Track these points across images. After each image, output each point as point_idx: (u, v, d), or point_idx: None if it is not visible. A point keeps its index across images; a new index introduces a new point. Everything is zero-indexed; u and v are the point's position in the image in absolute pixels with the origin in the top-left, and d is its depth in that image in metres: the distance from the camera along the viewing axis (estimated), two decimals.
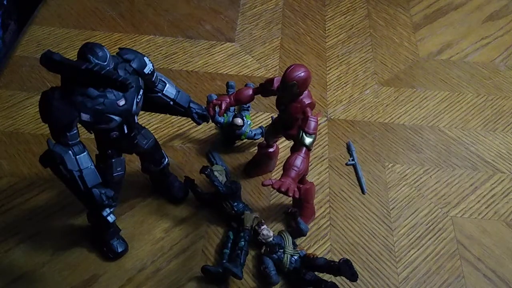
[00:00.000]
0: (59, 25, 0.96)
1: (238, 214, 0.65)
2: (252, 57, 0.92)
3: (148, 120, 0.80)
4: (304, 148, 0.57)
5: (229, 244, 0.64)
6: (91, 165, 0.51)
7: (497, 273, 0.66)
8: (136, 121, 0.55)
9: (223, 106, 0.60)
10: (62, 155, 0.50)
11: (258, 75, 0.89)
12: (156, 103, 0.58)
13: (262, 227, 0.63)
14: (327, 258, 0.64)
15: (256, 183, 0.73)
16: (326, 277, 0.61)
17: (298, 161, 0.56)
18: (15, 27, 0.93)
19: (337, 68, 0.91)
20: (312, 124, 0.57)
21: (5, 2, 0.90)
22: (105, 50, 0.48)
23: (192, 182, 0.68)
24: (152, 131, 0.78)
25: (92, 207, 0.53)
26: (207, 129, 0.80)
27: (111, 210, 0.54)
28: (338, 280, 0.62)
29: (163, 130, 0.79)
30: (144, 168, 0.66)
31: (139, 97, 0.52)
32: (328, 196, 0.73)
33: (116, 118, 0.50)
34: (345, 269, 0.57)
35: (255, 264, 0.64)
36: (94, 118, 0.49)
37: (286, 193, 0.53)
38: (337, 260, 0.59)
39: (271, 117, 0.82)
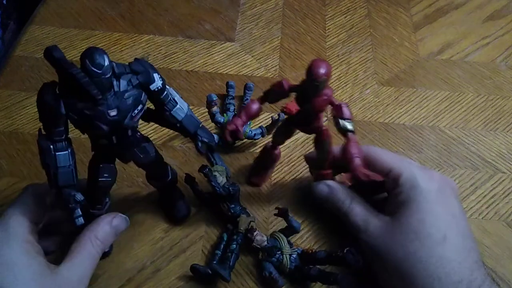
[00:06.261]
0: (59, 25, 0.96)
1: (234, 216, 0.65)
2: (252, 56, 0.92)
3: None
4: (350, 134, 0.57)
5: (222, 246, 0.64)
6: (69, 165, 0.50)
7: (497, 273, 0.66)
8: (130, 134, 0.54)
9: (240, 129, 0.59)
10: (44, 147, 0.50)
11: (258, 75, 0.89)
12: (166, 120, 0.57)
13: (255, 233, 0.62)
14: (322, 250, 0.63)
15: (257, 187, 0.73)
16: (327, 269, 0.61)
17: (354, 148, 0.57)
18: (14, 27, 0.93)
19: (337, 68, 0.91)
20: (346, 110, 0.58)
21: (4, 2, 0.90)
22: (105, 57, 0.46)
23: (193, 180, 0.68)
24: (152, 131, 0.79)
25: (61, 207, 0.53)
26: None
27: (80, 213, 0.54)
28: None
29: (163, 130, 0.79)
30: (147, 180, 0.66)
31: (136, 111, 0.51)
32: None
33: (104, 127, 0.49)
34: (350, 258, 0.57)
35: (258, 270, 0.64)
36: (81, 121, 0.49)
37: (372, 180, 0.56)
38: (337, 251, 0.59)
39: (271, 117, 0.81)
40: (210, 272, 0.61)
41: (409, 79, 0.90)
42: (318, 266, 0.61)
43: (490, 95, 0.88)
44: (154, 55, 0.91)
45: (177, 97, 0.56)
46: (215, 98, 0.76)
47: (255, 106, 0.61)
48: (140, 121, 0.61)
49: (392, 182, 0.61)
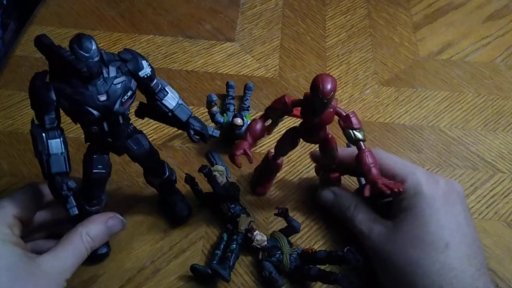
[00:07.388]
0: (59, 24, 0.96)
1: (234, 216, 0.65)
2: (252, 56, 0.92)
3: (147, 120, 0.79)
4: (362, 143, 0.56)
5: (222, 246, 0.64)
6: (61, 152, 0.51)
7: (497, 273, 0.66)
8: (122, 122, 0.54)
9: (249, 152, 0.57)
10: (36, 136, 0.50)
11: (258, 75, 0.89)
12: (158, 111, 0.57)
13: (255, 233, 0.62)
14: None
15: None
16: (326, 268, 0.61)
17: (369, 158, 0.56)
18: (14, 27, 0.93)
19: (337, 68, 0.91)
20: (355, 119, 0.57)
21: (4, 2, 0.91)
22: (93, 41, 0.47)
23: (193, 180, 0.68)
24: (152, 131, 0.79)
25: (54, 195, 0.52)
26: None
27: (74, 203, 0.53)
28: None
29: (163, 130, 0.79)
30: (145, 178, 0.65)
31: (126, 97, 0.51)
32: None
33: (94, 112, 0.50)
34: (350, 257, 0.57)
35: (259, 270, 0.64)
36: (71, 107, 0.49)
37: (392, 190, 0.52)
38: (337, 250, 0.59)
39: None
40: (210, 272, 0.61)
41: (409, 79, 0.90)
42: (318, 266, 0.61)
43: (490, 95, 0.88)
44: (154, 55, 0.91)
45: (168, 87, 0.57)
46: (215, 98, 0.76)
47: (258, 126, 0.59)
48: (138, 120, 0.61)
49: None
